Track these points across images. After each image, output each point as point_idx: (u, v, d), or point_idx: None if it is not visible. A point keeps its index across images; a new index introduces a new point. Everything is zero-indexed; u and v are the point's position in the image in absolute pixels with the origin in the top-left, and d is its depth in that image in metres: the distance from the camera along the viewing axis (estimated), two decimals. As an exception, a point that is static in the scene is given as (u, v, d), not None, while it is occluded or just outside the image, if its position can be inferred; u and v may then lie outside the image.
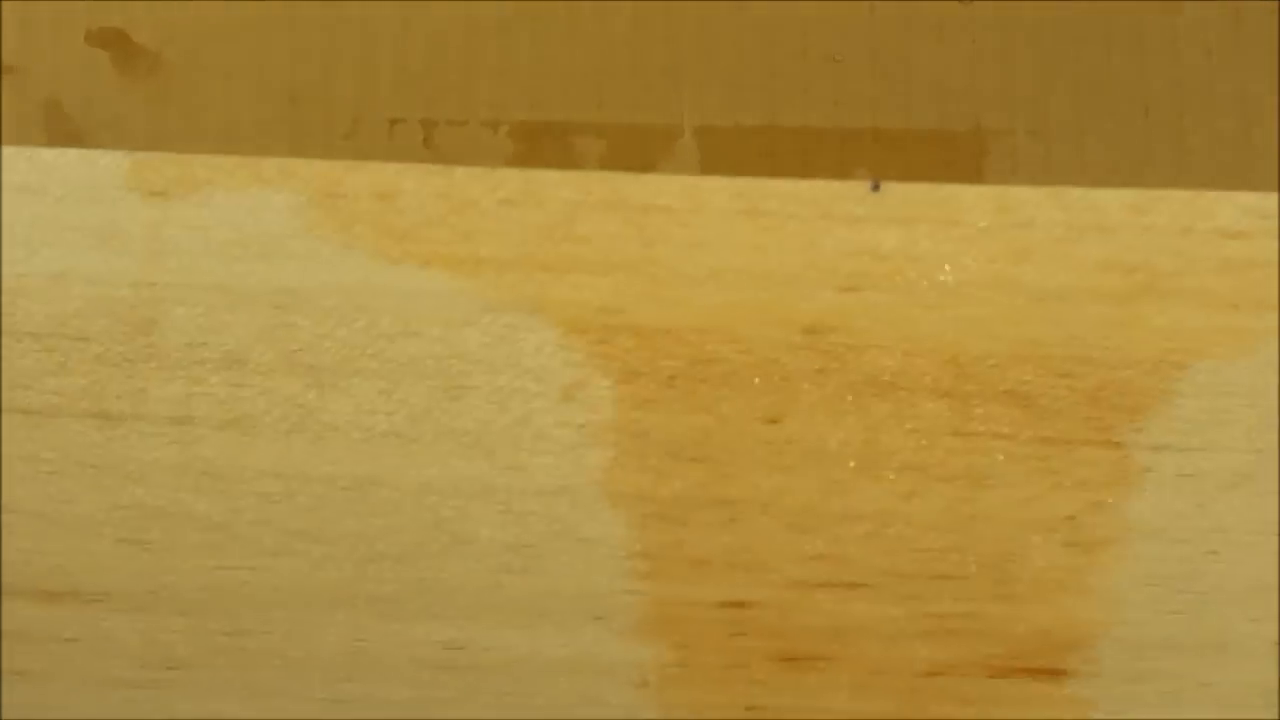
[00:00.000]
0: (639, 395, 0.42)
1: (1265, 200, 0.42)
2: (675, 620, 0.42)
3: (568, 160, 0.44)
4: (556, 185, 0.42)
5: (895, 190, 0.43)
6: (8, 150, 0.42)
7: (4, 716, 0.43)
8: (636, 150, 0.44)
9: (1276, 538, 0.42)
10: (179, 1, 0.44)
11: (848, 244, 0.42)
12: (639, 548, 0.42)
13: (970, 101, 0.45)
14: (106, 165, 0.42)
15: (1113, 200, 0.43)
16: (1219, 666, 0.42)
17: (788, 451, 0.42)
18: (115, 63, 0.45)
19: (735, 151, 0.44)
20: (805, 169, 0.44)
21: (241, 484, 0.42)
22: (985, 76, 0.44)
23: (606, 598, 0.42)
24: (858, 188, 0.43)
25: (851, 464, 0.42)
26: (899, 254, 0.42)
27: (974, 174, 0.44)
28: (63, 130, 0.44)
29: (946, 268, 0.42)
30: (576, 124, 0.44)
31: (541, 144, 0.44)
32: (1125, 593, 0.42)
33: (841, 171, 0.44)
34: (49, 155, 0.42)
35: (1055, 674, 0.42)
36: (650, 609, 0.42)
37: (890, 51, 0.45)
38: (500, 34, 0.45)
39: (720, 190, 0.43)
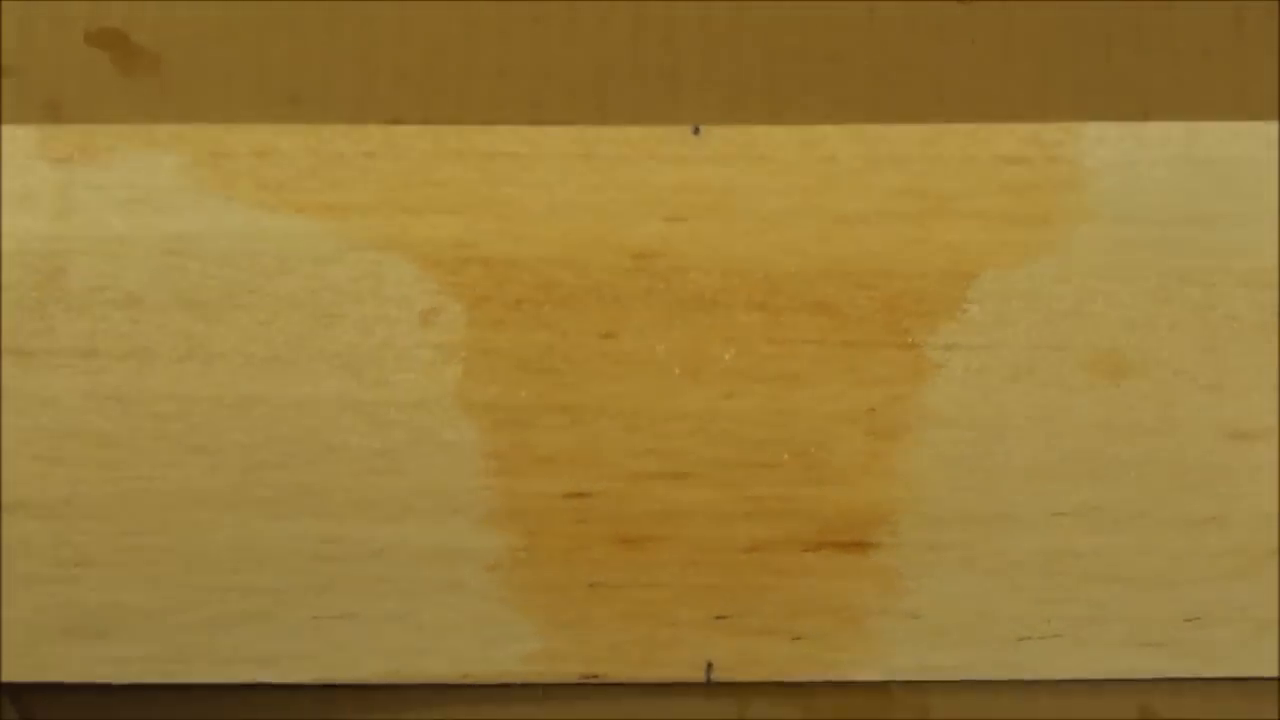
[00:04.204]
0: (489, 317, 0.47)
1: (1041, 131, 0.47)
2: (525, 511, 0.47)
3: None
4: (414, 138, 0.47)
5: (714, 133, 0.48)
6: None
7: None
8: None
9: (1053, 422, 0.47)
10: (178, 1, 0.49)
11: (673, 180, 0.47)
12: (491, 449, 0.47)
13: (970, 101, 0.48)
14: (18, 138, 0.47)
15: (905, 135, 0.48)
16: (1006, 534, 0.47)
17: (622, 361, 0.47)
18: (115, 63, 0.48)
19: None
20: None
21: (140, 405, 0.46)
22: (985, 76, 0.48)
23: (463, 494, 0.47)
24: (681, 131, 0.48)
25: (677, 370, 0.47)
26: (718, 187, 0.47)
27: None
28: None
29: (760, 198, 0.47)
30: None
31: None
32: (922, 473, 0.47)
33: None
34: None
35: (862, 546, 0.47)
36: (502, 501, 0.47)
37: (890, 51, 0.48)
38: (500, 34, 0.49)
39: (559, 137, 0.47)
